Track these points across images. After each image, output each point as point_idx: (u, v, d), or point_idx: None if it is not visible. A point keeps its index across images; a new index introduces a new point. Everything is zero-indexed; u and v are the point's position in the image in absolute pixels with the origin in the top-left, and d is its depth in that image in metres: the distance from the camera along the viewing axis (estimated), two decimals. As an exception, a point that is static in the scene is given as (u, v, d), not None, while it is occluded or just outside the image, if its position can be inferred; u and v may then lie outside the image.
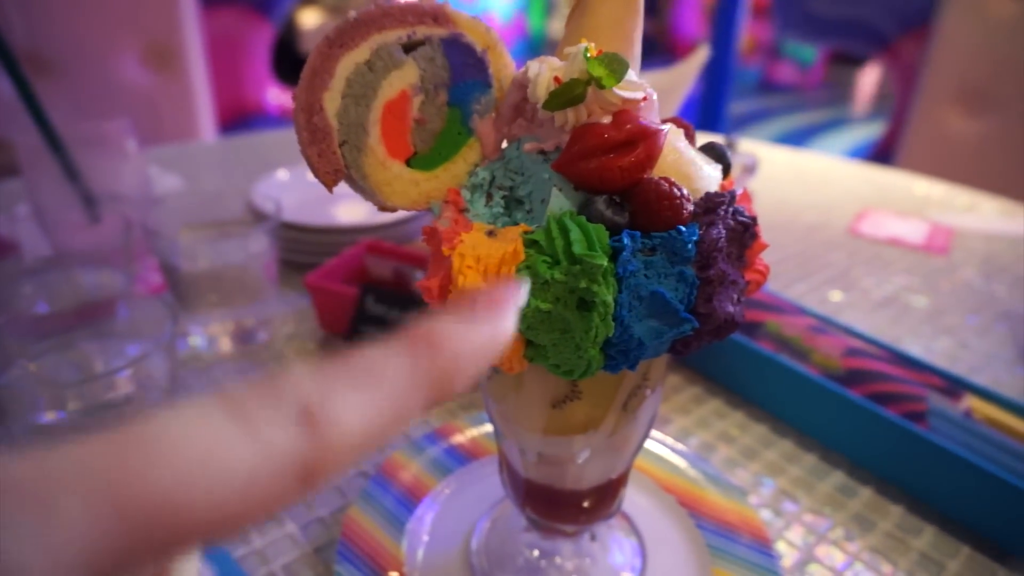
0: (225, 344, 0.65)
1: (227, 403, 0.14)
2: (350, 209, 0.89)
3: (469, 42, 0.30)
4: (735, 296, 0.29)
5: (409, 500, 0.47)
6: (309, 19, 3.86)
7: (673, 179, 0.28)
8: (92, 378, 0.47)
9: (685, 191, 0.27)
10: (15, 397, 0.45)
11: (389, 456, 0.50)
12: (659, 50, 5.69)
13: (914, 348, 0.70)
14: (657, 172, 0.29)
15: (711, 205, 0.29)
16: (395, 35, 0.29)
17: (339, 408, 0.15)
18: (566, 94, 0.27)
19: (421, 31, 0.29)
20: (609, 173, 0.27)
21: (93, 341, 0.55)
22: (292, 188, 0.90)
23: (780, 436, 0.57)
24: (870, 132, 3.94)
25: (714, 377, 0.63)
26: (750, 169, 0.73)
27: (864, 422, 0.52)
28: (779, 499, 0.51)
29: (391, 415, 0.16)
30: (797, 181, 1.18)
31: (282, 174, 0.93)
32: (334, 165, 0.29)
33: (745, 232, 0.30)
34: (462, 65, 0.30)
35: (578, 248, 0.26)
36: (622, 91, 0.27)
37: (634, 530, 0.46)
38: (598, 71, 0.26)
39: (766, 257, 0.89)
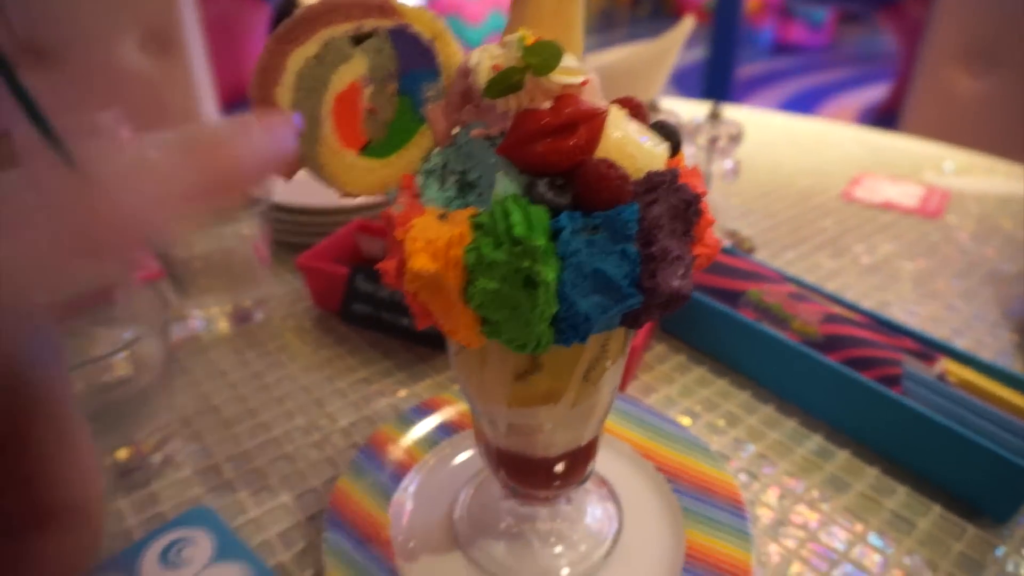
0: (223, 325, 0.67)
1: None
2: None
3: (416, 32, 0.31)
4: (681, 271, 0.30)
5: (396, 471, 0.49)
6: (310, -4, 3.83)
7: (615, 160, 0.29)
8: (89, 361, 0.49)
9: (624, 171, 0.29)
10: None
11: (378, 429, 0.52)
12: (665, 14, 5.60)
13: (899, 312, 0.71)
14: (601, 153, 0.30)
15: (652, 184, 0.30)
16: (343, 29, 0.30)
17: (117, 192, 0.17)
18: (503, 82, 0.28)
19: (368, 23, 0.30)
20: (550, 156, 0.28)
21: (93, 327, 0.57)
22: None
23: (762, 402, 0.59)
24: (882, 93, 3.87)
25: (698, 346, 0.64)
26: (735, 138, 0.73)
27: (841, 387, 0.53)
28: (758, 463, 0.53)
29: (167, 203, 0.18)
30: (792, 146, 1.18)
31: (277, 157, 0.94)
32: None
33: (689, 208, 0.31)
34: (410, 55, 0.31)
35: (518, 230, 0.27)
36: (561, 77, 0.28)
37: (611, 495, 0.48)
38: (532, 59, 0.27)
39: (757, 224, 0.89)
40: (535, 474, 0.41)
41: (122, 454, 0.52)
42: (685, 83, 3.72)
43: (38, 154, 0.70)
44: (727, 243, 0.80)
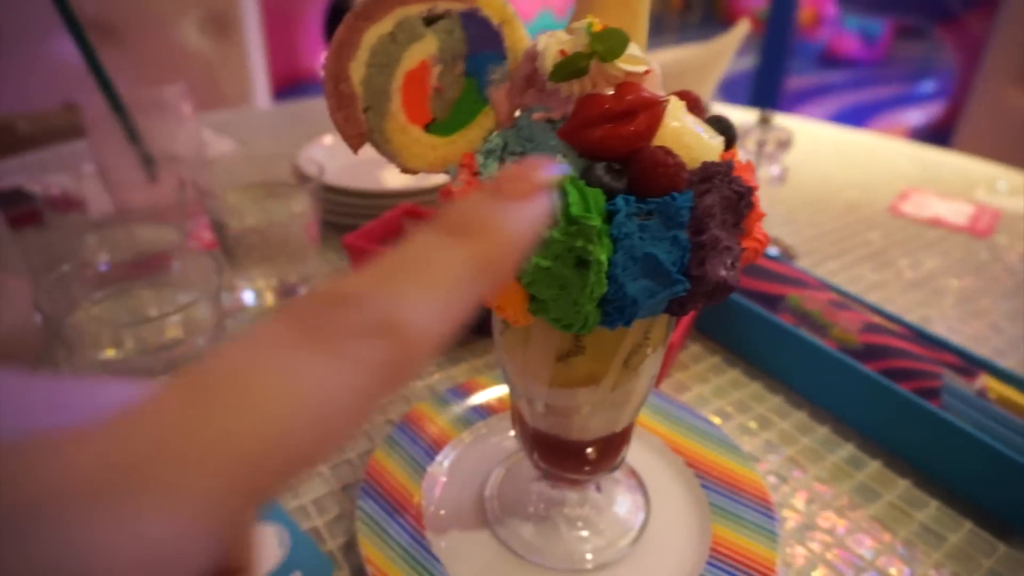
0: (268, 298, 0.69)
1: (306, 331, 0.14)
2: (390, 174, 0.92)
3: (486, 16, 0.32)
4: (729, 261, 0.31)
5: (430, 447, 0.50)
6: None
7: (672, 148, 0.30)
8: (146, 321, 0.51)
9: (680, 159, 0.29)
10: (80, 336, 0.50)
11: (414, 406, 0.54)
12: (716, 21, 5.54)
13: (942, 329, 0.70)
14: (658, 141, 0.30)
15: (707, 174, 0.30)
16: (417, 9, 0.31)
17: (414, 310, 0.15)
18: (569, 67, 0.29)
19: (441, 5, 0.31)
20: (609, 141, 0.29)
21: (149, 290, 0.60)
22: (337, 152, 0.93)
23: (795, 407, 0.59)
24: (937, 110, 3.78)
25: (734, 348, 0.64)
26: (784, 144, 0.72)
27: (877, 396, 0.53)
28: (788, 467, 0.53)
29: (460, 304, 0.16)
30: (841, 158, 1.16)
31: (328, 139, 0.97)
32: (359, 129, 0.32)
33: (741, 200, 0.31)
34: (479, 37, 0.32)
35: (575, 210, 0.28)
36: (624, 65, 0.29)
37: (640, 485, 0.48)
38: (599, 46, 0.28)
39: (800, 233, 0.89)
40: (568, 457, 0.42)
41: (170, 413, 0.54)
42: (733, 91, 3.68)
43: (105, 125, 0.73)
44: (772, 250, 0.80)
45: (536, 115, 0.32)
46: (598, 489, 0.46)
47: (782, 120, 1.13)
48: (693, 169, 0.30)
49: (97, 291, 0.57)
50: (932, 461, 0.51)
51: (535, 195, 0.18)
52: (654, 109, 0.29)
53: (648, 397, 0.53)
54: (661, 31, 5.78)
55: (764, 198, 0.87)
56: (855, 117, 3.87)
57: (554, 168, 0.19)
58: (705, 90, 0.83)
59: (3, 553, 0.10)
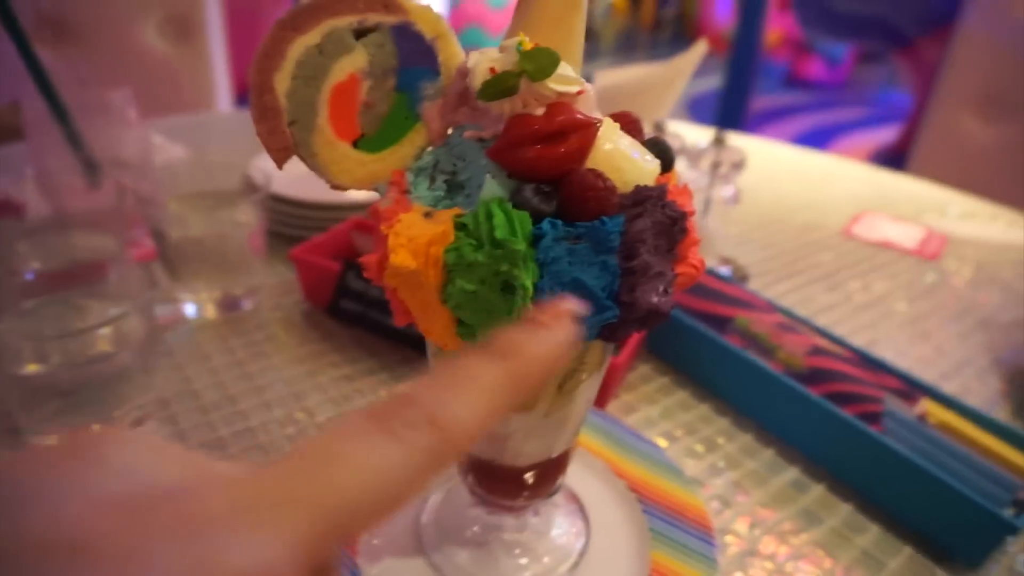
0: (211, 311, 0.67)
1: (374, 421, 0.19)
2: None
3: (419, 30, 0.31)
4: (661, 287, 0.30)
5: (368, 469, 0.49)
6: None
7: (603, 171, 0.29)
8: (69, 334, 0.49)
9: (611, 183, 0.29)
10: (1, 349, 0.48)
11: (355, 426, 0.52)
12: (686, 38, 5.63)
13: (889, 352, 0.70)
14: (591, 163, 0.30)
15: (639, 198, 0.30)
16: (347, 21, 0.30)
17: (454, 411, 0.20)
18: (498, 85, 0.28)
19: (372, 18, 0.30)
20: (539, 163, 0.28)
21: (83, 300, 0.57)
22: (291, 162, 0.91)
23: (741, 430, 0.58)
24: (896, 134, 3.88)
25: (682, 369, 0.64)
26: (738, 165, 0.73)
27: (821, 420, 0.53)
28: (732, 491, 0.53)
29: (492, 409, 0.21)
30: (797, 180, 1.18)
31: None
32: (283, 143, 0.31)
33: (674, 226, 0.31)
34: (411, 52, 0.31)
35: (500, 232, 0.27)
36: (555, 85, 0.28)
37: (580, 510, 0.47)
38: (528, 64, 0.27)
39: (753, 254, 0.89)
40: (503, 482, 0.41)
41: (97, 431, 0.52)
42: (699, 110, 3.73)
43: (44, 127, 0.71)
44: (725, 270, 0.80)
45: (468, 133, 0.31)
46: (536, 514, 0.45)
47: (738, 140, 1.15)
48: (625, 193, 0.30)
49: (25, 301, 0.54)
50: (873, 486, 0.51)
51: (560, 324, 0.24)
52: (585, 131, 0.29)
53: (591, 419, 0.52)
54: (632, 48, 5.85)
55: (718, 219, 0.87)
56: (818, 138, 3.95)
57: (579, 304, 0.24)
58: (663, 108, 0.84)
59: (159, 553, 0.15)
